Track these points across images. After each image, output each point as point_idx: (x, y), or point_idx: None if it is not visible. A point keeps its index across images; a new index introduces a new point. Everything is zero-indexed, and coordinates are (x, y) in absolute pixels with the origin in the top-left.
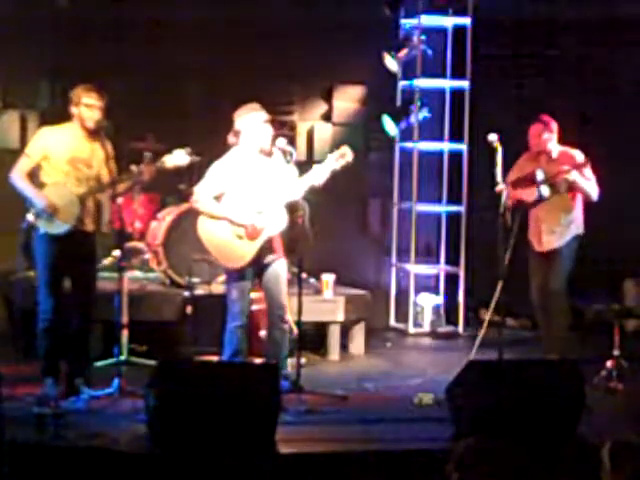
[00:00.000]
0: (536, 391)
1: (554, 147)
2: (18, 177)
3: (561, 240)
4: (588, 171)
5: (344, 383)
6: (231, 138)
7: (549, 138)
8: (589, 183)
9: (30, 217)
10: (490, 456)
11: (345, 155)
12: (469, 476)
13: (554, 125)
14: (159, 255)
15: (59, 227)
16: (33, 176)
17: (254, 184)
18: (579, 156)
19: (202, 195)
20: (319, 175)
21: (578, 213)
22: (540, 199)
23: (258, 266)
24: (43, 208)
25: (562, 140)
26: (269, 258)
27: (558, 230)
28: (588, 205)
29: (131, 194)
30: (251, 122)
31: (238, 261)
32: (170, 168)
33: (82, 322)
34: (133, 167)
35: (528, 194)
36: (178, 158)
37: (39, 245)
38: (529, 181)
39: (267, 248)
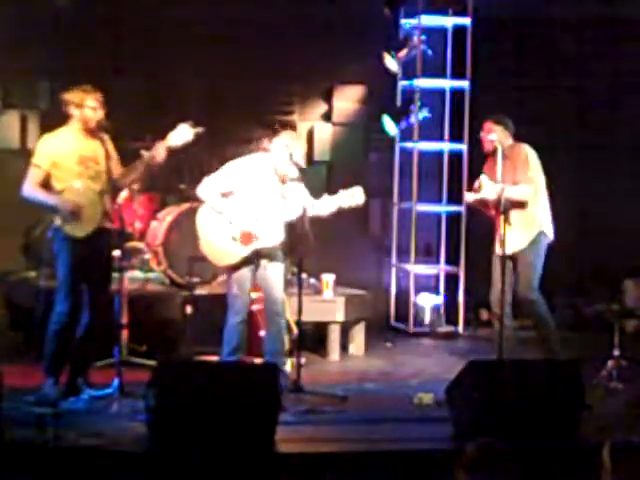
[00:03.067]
0: (536, 391)
1: (505, 144)
2: (32, 189)
3: (522, 241)
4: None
5: (344, 383)
6: (265, 143)
7: (495, 138)
8: (516, 189)
9: (57, 223)
10: (498, 457)
11: (356, 196)
12: (477, 476)
13: (509, 122)
14: (159, 255)
15: (85, 228)
16: (43, 185)
17: (261, 193)
18: (524, 149)
19: (208, 185)
20: (326, 207)
21: (538, 210)
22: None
23: (255, 266)
24: (71, 212)
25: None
26: (263, 261)
27: (516, 230)
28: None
29: (131, 194)
30: (282, 149)
31: (225, 260)
32: (178, 146)
33: (92, 322)
34: (144, 152)
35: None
36: (182, 133)
37: (63, 248)
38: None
39: (260, 255)
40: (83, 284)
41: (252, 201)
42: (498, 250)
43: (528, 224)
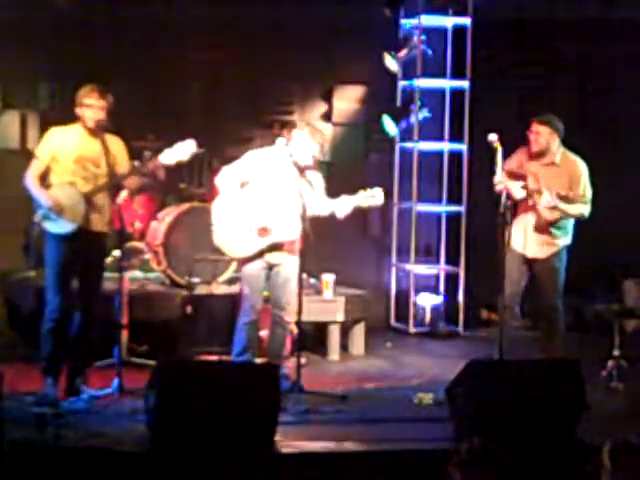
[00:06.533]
0: (536, 391)
1: (557, 150)
2: (30, 181)
3: (549, 250)
4: (583, 187)
5: (344, 383)
6: (284, 135)
7: (550, 139)
8: (574, 207)
9: (37, 218)
10: (492, 456)
11: (376, 197)
12: (471, 476)
13: (559, 125)
14: (159, 255)
15: (65, 227)
16: (43, 178)
17: (279, 185)
18: (581, 166)
19: (227, 175)
20: (344, 206)
21: (569, 224)
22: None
23: (268, 265)
24: (49, 208)
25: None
26: (278, 258)
27: (546, 239)
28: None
29: (131, 194)
30: (300, 145)
31: (238, 252)
32: (173, 164)
33: (85, 322)
34: (135, 162)
35: (517, 191)
36: (179, 152)
37: (48, 245)
38: (523, 180)
39: (276, 249)
40: (74, 282)
41: (269, 193)
42: (519, 248)
43: (557, 237)
